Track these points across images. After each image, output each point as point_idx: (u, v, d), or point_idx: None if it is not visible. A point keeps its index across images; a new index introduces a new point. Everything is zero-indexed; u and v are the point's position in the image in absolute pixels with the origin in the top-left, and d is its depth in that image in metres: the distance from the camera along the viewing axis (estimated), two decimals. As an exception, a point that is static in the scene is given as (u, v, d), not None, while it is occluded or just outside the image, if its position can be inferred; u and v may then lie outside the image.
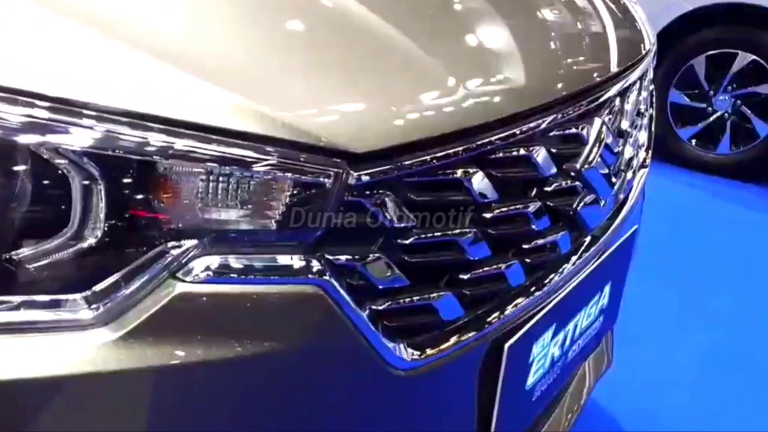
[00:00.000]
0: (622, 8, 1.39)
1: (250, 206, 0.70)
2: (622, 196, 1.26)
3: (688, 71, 3.80)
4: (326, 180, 0.72)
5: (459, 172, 0.84)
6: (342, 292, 0.74)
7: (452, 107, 0.84)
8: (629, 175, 1.28)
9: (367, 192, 0.76)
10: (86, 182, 0.64)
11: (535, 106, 0.94)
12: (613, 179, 1.16)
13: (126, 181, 0.66)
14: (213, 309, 0.68)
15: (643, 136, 1.35)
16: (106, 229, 0.65)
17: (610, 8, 1.34)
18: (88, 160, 0.64)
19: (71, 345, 0.64)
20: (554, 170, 0.98)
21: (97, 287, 0.65)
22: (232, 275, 0.69)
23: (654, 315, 2.42)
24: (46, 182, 0.64)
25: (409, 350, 0.84)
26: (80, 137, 0.63)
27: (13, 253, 0.64)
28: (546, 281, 1.03)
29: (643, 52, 1.26)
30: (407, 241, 0.81)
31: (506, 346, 0.96)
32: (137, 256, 0.66)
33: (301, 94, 0.74)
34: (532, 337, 1.03)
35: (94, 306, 0.65)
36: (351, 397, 0.80)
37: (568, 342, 1.17)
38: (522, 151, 0.92)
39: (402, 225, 0.79)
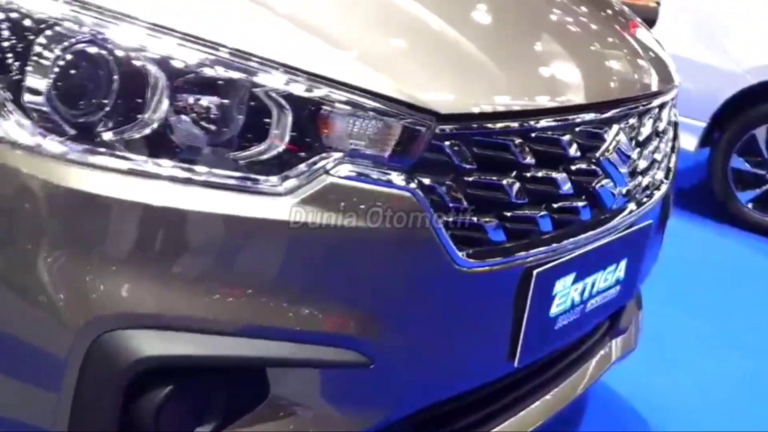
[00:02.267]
0: (652, 48, 1.83)
1: (375, 138, 1.15)
2: (638, 195, 1.65)
3: (750, 140, 4.15)
4: (421, 128, 1.17)
5: (510, 141, 1.28)
6: (425, 199, 1.18)
7: (510, 95, 1.29)
8: (645, 181, 1.68)
9: (446, 140, 1.20)
10: (284, 113, 1.11)
11: (570, 105, 1.37)
12: (627, 176, 1.55)
13: (306, 114, 1.12)
14: (347, 194, 1.13)
15: (659, 156, 1.74)
16: (292, 141, 1.11)
17: (642, 45, 1.77)
18: (285, 101, 1.10)
19: (272, 203, 1.09)
20: (578, 154, 1.40)
21: (287, 173, 1.11)
22: (360, 176, 1.14)
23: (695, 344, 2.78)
24: (258, 111, 1.10)
25: (470, 253, 1.26)
26: (284, 85, 1.10)
27: (239, 153, 1.10)
28: (568, 236, 1.44)
29: (658, 87, 1.67)
30: (469, 179, 1.24)
31: (535, 272, 1.37)
32: (308, 159, 1.12)
33: (415, 74, 1.20)
34: (555, 273, 1.42)
35: (282, 184, 1.10)
36: (422, 275, 1.22)
37: (586, 294, 1.55)
38: (555, 135, 1.35)
39: (466, 166, 1.23)
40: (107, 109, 1.06)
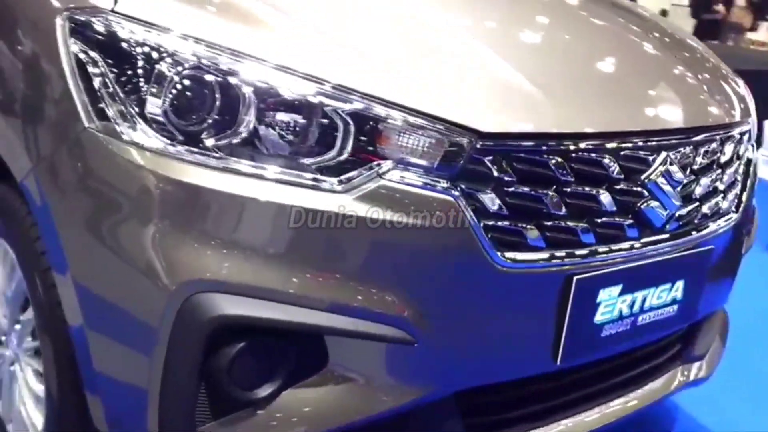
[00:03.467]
0: (723, 83, 1.94)
1: (423, 151, 1.38)
2: (696, 221, 1.77)
3: None
4: (463, 144, 1.38)
5: (549, 158, 1.46)
6: (466, 204, 1.38)
7: (552, 118, 1.48)
8: (704, 208, 1.79)
9: (487, 155, 1.40)
10: (347, 128, 1.35)
11: (611, 132, 1.54)
12: (678, 200, 1.67)
13: (366, 129, 1.36)
14: (396, 196, 1.35)
15: (721, 186, 1.84)
16: (353, 151, 1.36)
17: (709, 80, 1.90)
18: (350, 118, 1.35)
19: (332, 199, 1.33)
20: (621, 175, 1.56)
21: (344, 176, 1.35)
22: (408, 182, 1.36)
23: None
24: (327, 126, 1.35)
25: (507, 255, 1.44)
26: (349, 105, 1.35)
27: (310, 158, 1.35)
28: (612, 250, 1.59)
29: (719, 122, 1.79)
30: (509, 189, 1.44)
31: (575, 278, 1.53)
32: (364, 164, 1.35)
33: (461, 96, 1.42)
34: (598, 283, 1.57)
35: (342, 184, 1.34)
36: (461, 270, 1.41)
37: (636, 307, 1.68)
38: (595, 156, 1.52)
39: (506, 178, 1.42)
40: (209, 121, 1.34)
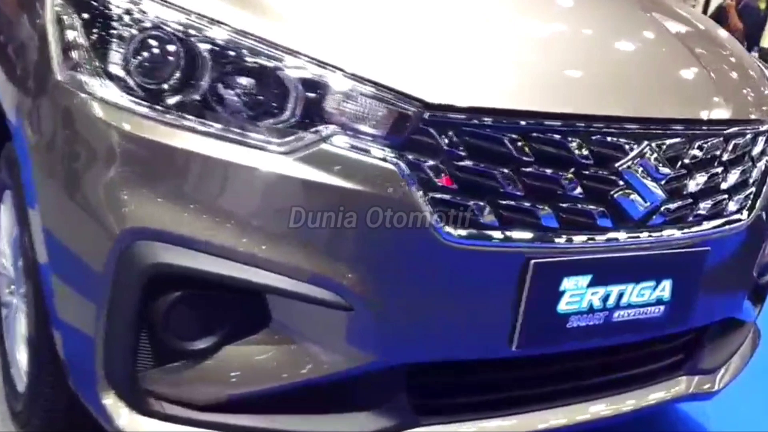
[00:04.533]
0: (739, 80, 1.85)
1: (368, 118, 1.38)
2: (690, 218, 1.68)
3: None
4: (410, 111, 1.38)
5: (505, 136, 1.43)
6: (410, 175, 1.37)
7: (513, 94, 1.45)
8: (703, 205, 1.70)
9: (435, 127, 1.39)
10: (295, 92, 1.38)
11: (580, 114, 1.49)
12: (661, 194, 1.60)
13: (315, 94, 1.38)
14: (338, 160, 1.35)
15: (725, 186, 1.75)
16: (300, 115, 1.38)
17: (723, 76, 1.81)
18: (299, 83, 1.37)
19: (275, 159, 1.35)
20: (590, 160, 1.50)
21: (288, 138, 1.37)
22: (351, 147, 1.37)
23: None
24: (275, 89, 1.38)
25: (455, 231, 1.42)
26: (299, 70, 1.37)
27: (257, 119, 1.38)
28: (579, 237, 1.54)
29: (720, 117, 1.70)
30: (460, 164, 1.42)
31: (532, 261, 1.49)
32: (307, 128, 1.37)
33: (411, 65, 1.42)
34: (562, 269, 1.53)
35: (285, 146, 1.36)
36: (402, 242, 1.40)
37: (611, 302, 1.61)
38: (560, 138, 1.48)
39: (456, 152, 1.41)
40: (166, 79, 1.39)
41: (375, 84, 1.38)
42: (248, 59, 1.38)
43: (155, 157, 1.38)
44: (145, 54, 1.40)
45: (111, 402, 1.44)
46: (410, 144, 1.39)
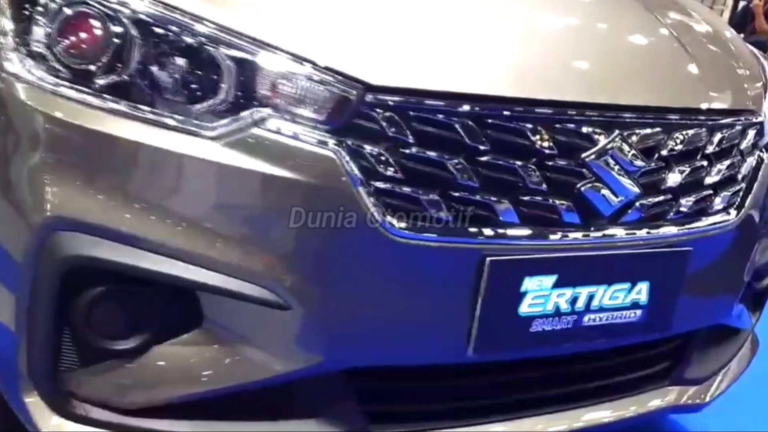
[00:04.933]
0: (731, 70, 1.72)
1: (305, 100, 1.28)
2: (670, 215, 1.56)
3: None
4: (351, 93, 1.27)
5: (456, 121, 1.32)
6: (350, 163, 1.26)
7: (459, 78, 1.33)
8: (685, 201, 1.58)
9: (379, 111, 1.28)
10: (226, 72, 1.27)
11: (538, 99, 1.37)
12: (634, 187, 1.47)
13: (249, 75, 1.28)
14: (271, 146, 1.25)
15: (710, 181, 1.62)
16: (233, 97, 1.28)
17: (711, 63, 1.69)
18: (232, 63, 1.27)
19: (202, 144, 1.24)
20: (554, 150, 1.39)
21: (218, 122, 1.27)
22: (286, 132, 1.26)
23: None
24: (205, 68, 1.27)
25: (401, 224, 1.31)
26: (233, 49, 1.27)
27: (186, 101, 1.28)
28: (542, 234, 1.42)
29: (701, 107, 1.57)
30: (406, 151, 1.31)
31: (488, 259, 1.37)
32: (239, 112, 1.27)
33: (352, 44, 1.31)
34: (523, 268, 1.41)
35: (214, 130, 1.26)
36: (342, 236, 1.29)
37: (580, 305, 1.49)
38: (517, 125, 1.36)
39: (401, 138, 1.29)
40: (91, 58, 1.30)
41: (313, 64, 1.28)
42: (179, 37, 1.28)
43: (80, 142, 1.29)
44: (70, 32, 1.30)
45: (33, 402, 1.34)
46: (351, 129, 1.28)
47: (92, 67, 1.29)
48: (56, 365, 1.33)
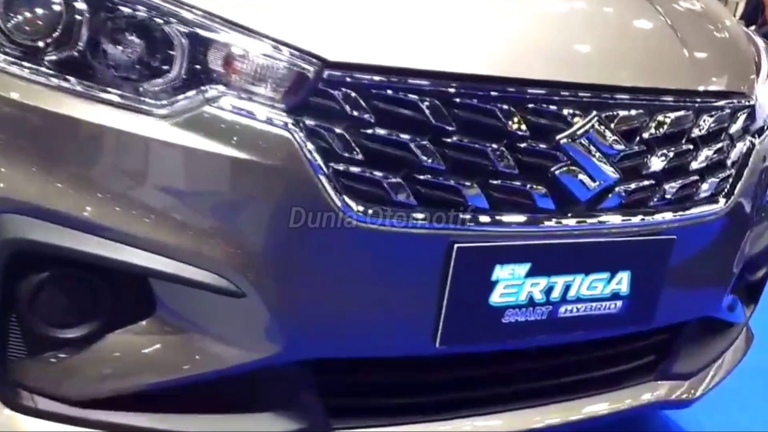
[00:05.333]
0: (719, 51, 1.65)
1: (262, 79, 1.21)
2: (653, 201, 1.48)
3: None
4: (308, 70, 1.21)
5: (419, 100, 1.25)
6: (306, 142, 1.20)
7: (423, 55, 1.27)
8: (667, 188, 1.50)
9: (337, 88, 1.22)
10: (178, 48, 1.21)
11: (501, 76, 1.30)
12: (612, 172, 1.40)
13: (202, 51, 1.21)
14: (224, 125, 1.19)
15: (696, 166, 1.54)
16: (185, 74, 1.21)
17: (698, 43, 1.61)
18: (185, 38, 1.21)
19: (153, 123, 1.19)
20: (526, 132, 1.32)
21: (168, 100, 1.20)
22: (240, 111, 1.20)
23: None
24: (156, 44, 1.21)
25: (362, 208, 1.24)
26: (185, 25, 1.20)
27: (136, 78, 1.22)
28: (514, 220, 1.35)
29: (686, 87, 1.50)
30: (367, 131, 1.24)
31: (456, 246, 1.31)
32: (191, 89, 1.21)
33: (309, 20, 1.25)
34: (493, 256, 1.34)
35: (164, 108, 1.20)
36: (298, 220, 1.23)
37: (556, 295, 1.42)
38: (486, 105, 1.29)
39: (361, 117, 1.23)
40: (37, 34, 1.24)
41: (268, 39, 1.21)
42: (131, 12, 1.22)
43: (27, 122, 1.23)
44: (18, 7, 1.24)
45: (-20, 394, 1.29)
46: (309, 108, 1.22)
47: (41, 44, 1.23)
48: (3, 354, 1.27)
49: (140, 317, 1.29)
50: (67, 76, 1.22)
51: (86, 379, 1.30)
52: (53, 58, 1.22)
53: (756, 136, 1.69)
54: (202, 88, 1.20)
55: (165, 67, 1.21)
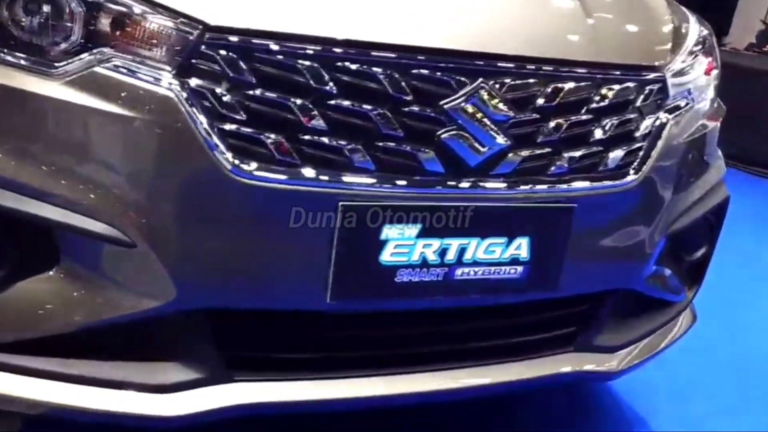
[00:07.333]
0: (629, 23, 1.68)
1: (145, 40, 1.30)
2: (550, 168, 1.53)
3: None
4: (190, 33, 1.29)
5: (299, 63, 1.32)
6: (189, 102, 1.28)
7: (306, 20, 1.34)
8: (566, 156, 1.54)
9: (219, 51, 1.30)
10: (71, 11, 1.30)
11: (391, 43, 1.37)
12: (502, 138, 1.45)
13: (93, 14, 1.30)
14: (111, 85, 1.28)
15: (598, 137, 1.58)
16: (80, 39, 1.31)
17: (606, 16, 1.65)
18: (82, 6, 1.30)
19: (45, 82, 1.28)
20: (408, 96, 1.38)
21: (62, 62, 1.29)
22: (127, 71, 1.29)
23: None
24: (54, 9, 1.31)
25: (246, 166, 1.32)
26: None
27: (36, 42, 1.31)
28: (402, 182, 1.41)
29: (589, 59, 1.54)
30: (249, 92, 1.32)
31: (340, 203, 1.37)
32: (83, 52, 1.30)
33: None
34: (380, 216, 1.40)
35: (57, 69, 1.29)
36: (183, 175, 1.31)
37: (451, 257, 1.48)
38: (369, 69, 1.36)
39: (243, 79, 1.31)
40: None
41: (153, 3, 1.30)
42: None
43: None
44: None
45: None
46: (192, 69, 1.30)
47: None
48: None
49: (42, 267, 1.37)
50: None
51: (-7, 324, 1.39)
52: None
53: (672, 111, 1.71)
54: (95, 50, 1.29)
55: (61, 32, 1.31)
